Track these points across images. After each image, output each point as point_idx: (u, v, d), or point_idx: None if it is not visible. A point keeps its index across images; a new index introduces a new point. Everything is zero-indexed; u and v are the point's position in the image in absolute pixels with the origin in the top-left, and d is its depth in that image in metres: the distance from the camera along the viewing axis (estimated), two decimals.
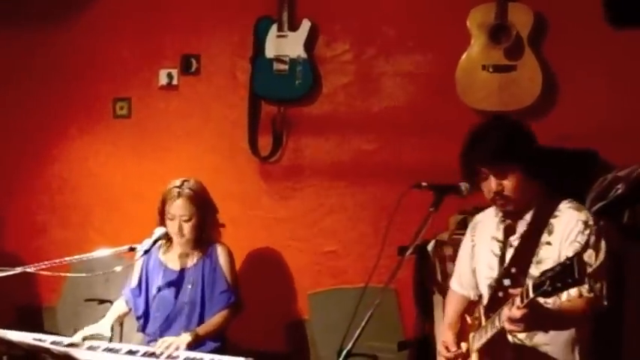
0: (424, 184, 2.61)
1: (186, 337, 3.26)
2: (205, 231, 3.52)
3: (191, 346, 3.25)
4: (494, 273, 2.66)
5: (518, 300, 2.26)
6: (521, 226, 2.63)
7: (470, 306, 2.85)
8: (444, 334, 2.83)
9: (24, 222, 4.76)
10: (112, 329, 3.38)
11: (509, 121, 2.68)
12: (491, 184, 2.56)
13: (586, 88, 3.61)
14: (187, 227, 3.46)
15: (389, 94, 4.00)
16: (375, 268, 2.67)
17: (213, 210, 3.58)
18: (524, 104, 3.61)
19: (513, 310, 2.27)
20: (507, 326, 2.33)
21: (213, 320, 3.44)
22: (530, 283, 2.21)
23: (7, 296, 4.64)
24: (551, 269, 2.14)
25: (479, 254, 2.78)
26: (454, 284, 2.96)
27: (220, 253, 3.55)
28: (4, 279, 3.11)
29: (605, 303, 2.49)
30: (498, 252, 2.67)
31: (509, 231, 2.66)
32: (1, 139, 4.78)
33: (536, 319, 2.29)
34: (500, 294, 2.56)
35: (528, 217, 2.62)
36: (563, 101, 3.64)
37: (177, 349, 3.16)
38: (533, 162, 2.59)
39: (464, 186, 2.58)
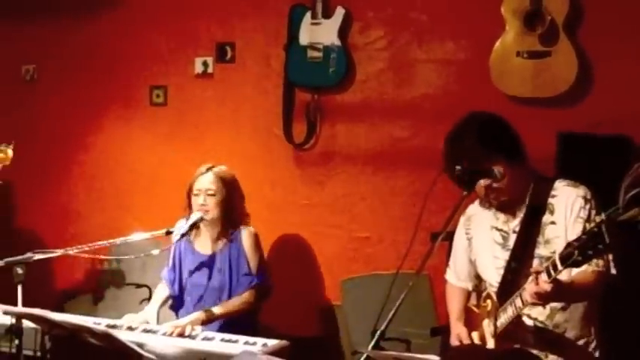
0: (457, 167, 2.62)
1: (198, 315, 3.32)
2: (231, 214, 3.54)
3: (204, 324, 3.29)
4: (501, 261, 2.72)
5: (544, 275, 2.33)
6: (520, 211, 2.70)
7: (469, 296, 2.91)
8: (456, 327, 2.89)
9: (62, 208, 4.86)
10: (158, 316, 3.46)
11: (479, 115, 2.73)
12: (480, 181, 2.62)
13: (621, 74, 3.58)
14: (212, 202, 3.49)
15: (422, 81, 4.00)
16: (408, 255, 2.69)
17: (240, 195, 3.61)
18: (559, 90, 3.59)
19: (542, 284, 2.33)
20: (532, 301, 2.40)
21: (231, 301, 3.48)
22: (556, 256, 2.27)
23: (48, 281, 4.76)
24: (577, 239, 2.19)
25: (479, 246, 2.84)
26: (451, 278, 3.04)
27: (244, 236, 3.58)
28: (44, 263, 3.19)
29: (614, 271, 2.55)
30: (501, 240, 2.74)
31: (507, 218, 2.73)
32: (39, 127, 4.87)
33: (560, 291, 2.36)
34: (510, 277, 2.66)
35: (525, 201, 2.68)
36: (598, 87, 3.61)
37: (192, 328, 3.19)
38: (515, 147, 2.67)
39: (497, 169, 2.60)
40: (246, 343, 3.05)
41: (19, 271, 2.99)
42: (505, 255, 2.71)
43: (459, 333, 2.84)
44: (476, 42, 3.84)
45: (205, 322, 3.33)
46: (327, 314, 4.23)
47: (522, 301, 2.47)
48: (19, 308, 2.93)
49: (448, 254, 3.62)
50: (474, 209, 2.89)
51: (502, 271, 2.69)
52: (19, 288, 2.97)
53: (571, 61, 3.56)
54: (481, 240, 2.83)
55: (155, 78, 4.60)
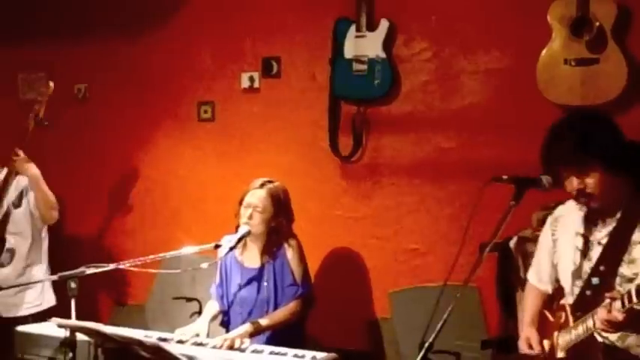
0: (504, 177, 2.59)
1: (247, 328, 3.33)
2: (275, 232, 3.56)
3: (252, 337, 3.31)
4: (580, 270, 2.60)
5: (618, 303, 2.23)
6: (610, 224, 2.55)
7: (547, 301, 2.81)
8: (527, 331, 2.79)
9: (114, 223, 4.94)
10: (208, 329, 3.49)
11: (589, 115, 2.61)
12: (572, 182, 2.51)
13: None
14: (258, 219, 3.51)
15: (469, 92, 3.98)
16: (455, 266, 2.66)
17: (287, 217, 3.62)
18: (609, 98, 3.53)
19: (614, 313, 2.24)
20: (602, 327, 2.30)
21: (277, 312, 3.50)
22: (633, 287, 2.17)
23: (100, 294, 4.84)
24: None
25: (562, 249, 2.72)
26: (532, 278, 2.91)
27: (288, 248, 3.60)
28: (97, 277, 3.25)
29: None
30: (583, 248, 2.61)
31: (595, 227, 2.59)
32: (91, 144, 4.97)
33: (633, 321, 2.26)
34: (589, 292, 2.52)
35: (617, 214, 2.53)
36: None
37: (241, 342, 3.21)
38: (616, 158, 2.48)
39: (545, 179, 2.54)
40: (295, 356, 3.06)
41: (72, 285, 3.05)
42: (585, 265, 2.58)
43: (529, 337, 2.73)
44: (521, 51, 3.80)
45: (253, 334, 3.34)
46: (375, 327, 4.21)
47: (594, 323, 2.37)
48: (73, 321, 2.98)
49: (497, 265, 3.60)
50: (563, 211, 2.75)
51: (580, 283, 2.57)
52: (73, 302, 3.03)
53: (620, 68, 3.50)
54: (564, 244, 2.69)
55: (203, 94, 4.67)
